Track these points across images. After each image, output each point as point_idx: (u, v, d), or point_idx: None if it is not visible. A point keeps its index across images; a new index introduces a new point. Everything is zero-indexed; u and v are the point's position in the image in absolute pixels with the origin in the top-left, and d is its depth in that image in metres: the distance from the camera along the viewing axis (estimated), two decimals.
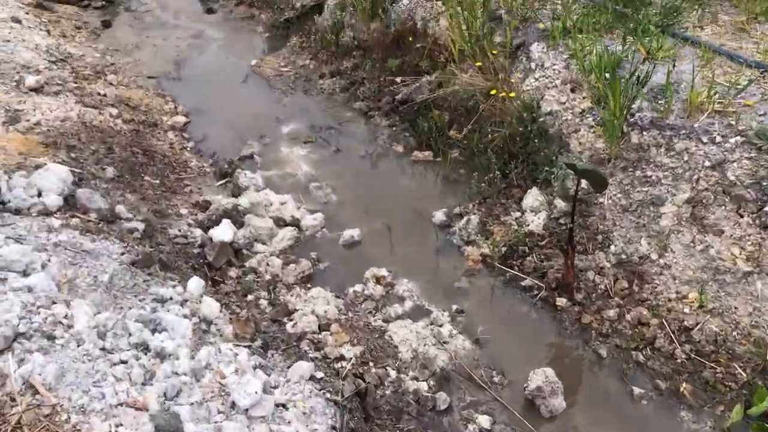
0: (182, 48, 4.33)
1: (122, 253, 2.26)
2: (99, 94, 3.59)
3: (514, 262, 2.59)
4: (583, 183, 2.28)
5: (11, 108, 3.08)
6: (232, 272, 2.57)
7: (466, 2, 3.24)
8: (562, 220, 2.64)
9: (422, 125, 3.31)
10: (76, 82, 3.67)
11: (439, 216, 2.85)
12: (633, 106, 2.55)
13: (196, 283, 2.20)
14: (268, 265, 2.61)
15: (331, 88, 3.82)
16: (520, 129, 2.89)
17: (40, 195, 2.44)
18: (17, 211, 2.34)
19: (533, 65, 3.02)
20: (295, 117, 3.61)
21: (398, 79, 3.65)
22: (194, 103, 3.74)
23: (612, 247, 2.49)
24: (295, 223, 2.85)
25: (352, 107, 3.66)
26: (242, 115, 3.66)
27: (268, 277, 2.55)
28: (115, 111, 3.37)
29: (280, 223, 2.84)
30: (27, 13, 4.41)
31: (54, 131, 2.99)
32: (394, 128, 3.46)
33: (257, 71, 4.05)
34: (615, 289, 2.42)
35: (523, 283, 2.51)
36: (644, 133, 2.54)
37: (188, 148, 3.37)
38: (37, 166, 2.63)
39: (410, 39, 3.64)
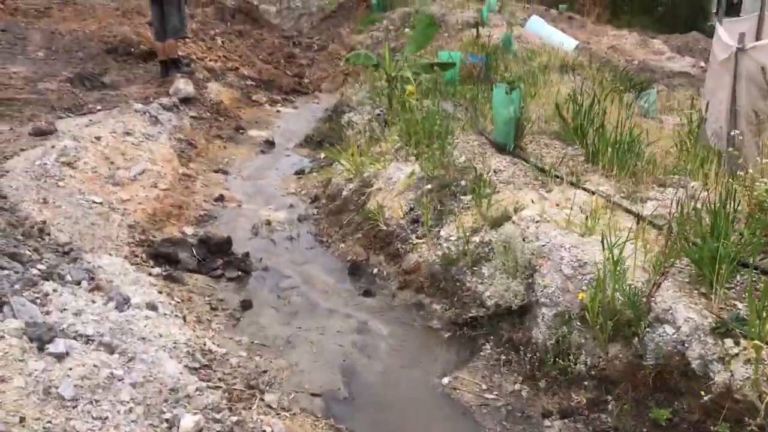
0: (346, 348, 3.59)
1: None
2: None
3: None
4: None
5: None
6: None
7: None
8: None
9: None
10: (231, 409, 2.88)
11: None
12: None
13: None
14: None
15: None
16: None
17: None
18: None
19: None
20: None
21: None
22: None
23: None
24: None
25: None
26: None
27: None
28: None
29: None
30: (160, 292, 3.82)
31: None
32: None
33: (452, 394, 3.23)
34: None
35: None
36: None
37: None
38: None
39: (683, 383, 2.79)
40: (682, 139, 5.64)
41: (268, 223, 5.22)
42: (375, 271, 4.44)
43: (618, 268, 3.11)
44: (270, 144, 7.35)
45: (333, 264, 4.64)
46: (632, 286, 3.08)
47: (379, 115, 6.54)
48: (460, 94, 6.94)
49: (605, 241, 3.14)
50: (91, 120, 6.14)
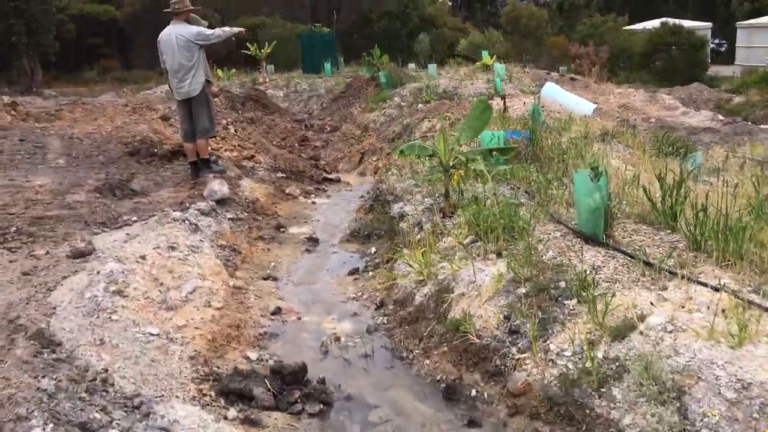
0: None
1: None
2: None
3: None
4: None
5: None
6: None
7: None
8: None
9: None
10: None
11: None
12: None
13: None
14: None
15: None
16: None
17: None
18: None
19: None
20: None
21: None
22: None
23: None
24: None
25: None
26: None
27: None
28: None
29: None
30: None
31: None
32: None
33: None
34: None
35: None
36: None
37: None
38: None
39: None
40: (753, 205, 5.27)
41: (337, 338, 4.76)
42: (473, 393, 3.94)
43: None
44: (314, 241, 6.96)
45: (422, 386, 4.14)
46: None
47: (432, 205, 6.17)
48: (512, 175, 6.61)
49: None
50: (128, 234, 5.78)
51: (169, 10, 7.41)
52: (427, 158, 6.66)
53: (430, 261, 4.87)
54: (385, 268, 5.84)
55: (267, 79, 22.02)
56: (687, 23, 31.20)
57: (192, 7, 7.45)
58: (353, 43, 34.49)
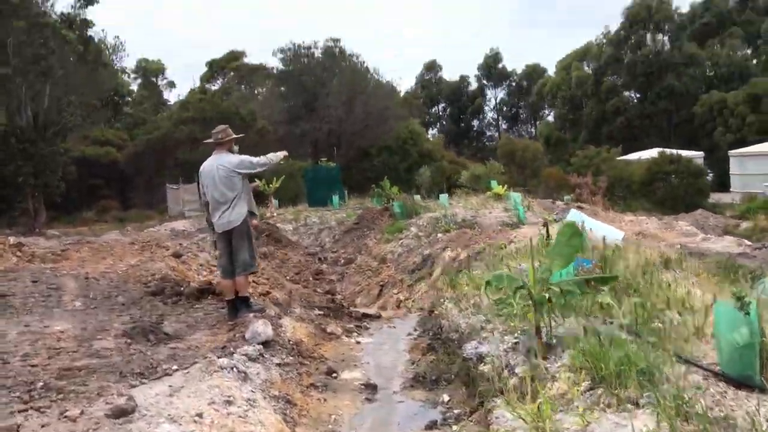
0: None
1: None
2: None
3: None
4: None
5: None
6: None
7: None
8: None
9: None
10: None
11: None
12: None
13: None
14: None
15: None
16: None
17: None
18: None
19: None
20: None
21: None
22: None
23: None
24: None
25: None
26: None
27: None
28: None
29: None
30: None
31: None
32: None
33: None
34: None
35: None
36: None
37: None
38: None
39: None
40: None
41: None
42: None
43: None
44: (372, 388, 6.17)
45: None
46: None
47: (518, 344, 5.50)
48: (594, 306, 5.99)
49: None
50: (171, 386, 5.01)
51: (211, 140, 7.10)
52: (492, 289, 6.07)
53: (549, 414, 4.12)
54: (472, 421, 5.04)
55: (274, 213, 21.87)
56: (683, 152, 32.16)
57: (235, 136, 7.17)
58: (351, 177, 35.04)
